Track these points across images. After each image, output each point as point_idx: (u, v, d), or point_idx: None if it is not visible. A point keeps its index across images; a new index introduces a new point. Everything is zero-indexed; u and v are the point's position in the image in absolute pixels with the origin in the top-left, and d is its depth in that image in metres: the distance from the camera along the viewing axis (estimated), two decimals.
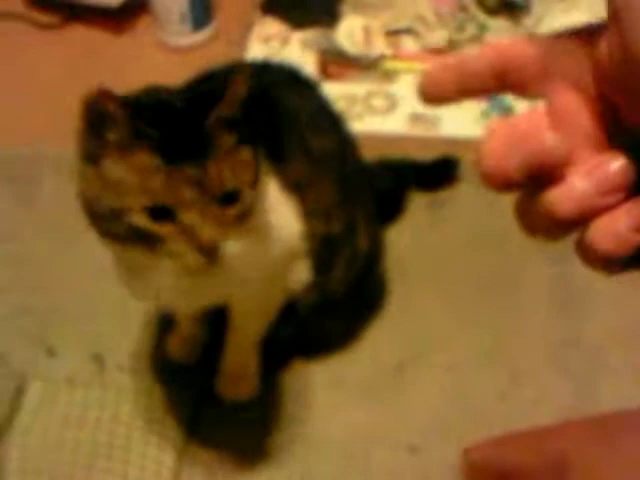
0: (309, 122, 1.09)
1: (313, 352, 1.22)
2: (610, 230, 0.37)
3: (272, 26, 1.75)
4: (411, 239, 1.36)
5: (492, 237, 1.32)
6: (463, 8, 1.72)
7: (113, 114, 0.80)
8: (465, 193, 1.41)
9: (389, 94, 1.62)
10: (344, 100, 1.57)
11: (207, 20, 1.74)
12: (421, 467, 1.11)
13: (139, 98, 0.87)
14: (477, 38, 1.68)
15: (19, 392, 1.17)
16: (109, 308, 1.25)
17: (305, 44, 1.71)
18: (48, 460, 1.11)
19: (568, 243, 0.40)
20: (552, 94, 0.39)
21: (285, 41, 1.72)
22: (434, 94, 0.43)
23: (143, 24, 1.79)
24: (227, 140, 0.84)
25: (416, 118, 1.56)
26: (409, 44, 1.70)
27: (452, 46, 1.67)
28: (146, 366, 1.21)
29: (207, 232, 0.82)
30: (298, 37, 1.73)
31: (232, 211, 0.84)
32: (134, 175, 0.81)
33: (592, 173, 0.38)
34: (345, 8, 1.72)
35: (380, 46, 1.66)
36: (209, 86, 0.94)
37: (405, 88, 1.62)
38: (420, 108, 1.57)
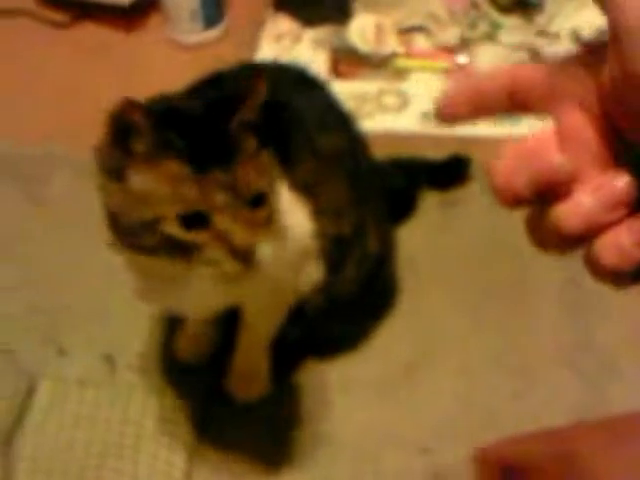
0: (317, 122, 1.09)
1: (324, 352, 1.21)
2: (614, 245, 0.39)
3: (283, 24, 1.74)
4: (423, 238, 1.35)
5: (504, 237, 1.31)
6: (475, 6, 1.72)
7: (138, 124, 0.80)
8: (477, 192, 1.40)
9: (401, 92, 1.61)
10: (355, 98, 1.56)
11: (218, 18, 1.73)
12: (433, 468, 1.11)
13: (160, 106, 0.86)
14: (489, 36, 1.68)
15: (30, 392, 1.17)
16: (120, 308, 1.25)
17: (317, 42, 1.71)
18: (58, 460, 1.10)
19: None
20: (559, 114, 0.41)
21: (296, 39, 1.72)
22: (451, 114, 0.46)
23: (154, 22, 1.78)
24: (250, 144, 0.85)
25: (428, 116, 1.56)
26: (421, 42, 1.69)
27: (464, 44, 1.67)
28: (156, 366, 1.20)
29: (241, 236, 0.82)
30: (309, 35, 1.72)
31: (262, 213, 0.85)
32: (165, 184, 0.82)
33: (598, 190, 0.39)
34: (357, 6, 1.71)
35: (392, 44, 1.65)
36: (220, 89, 0.94)
37: (417, 86, 1.62)
38: (432, 106, 1.56)
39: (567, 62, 0.42)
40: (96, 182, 0.86)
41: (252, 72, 1.13)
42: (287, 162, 0.97)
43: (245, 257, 0.83)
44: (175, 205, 0.82)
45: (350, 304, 1.15)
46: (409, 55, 1.67)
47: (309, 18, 1.74)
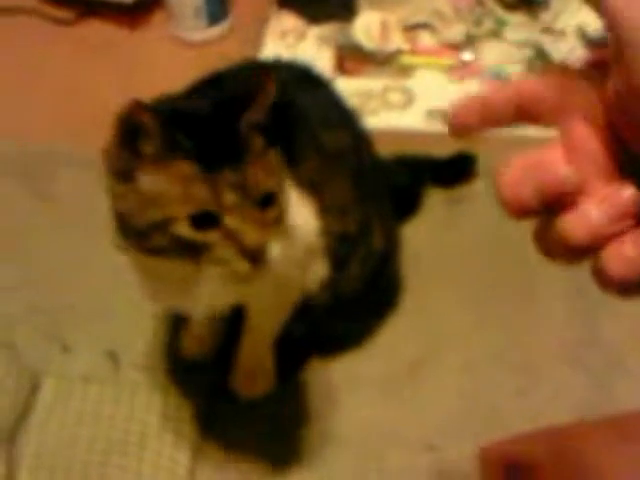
0: (321, 120, 1.09)
1: (328, 350, 1.21)
2: (621, 256, 0.39)
3: (288, 21, 1.74)
4: (427, 236, 1.35)
5: (509, 235, 1.31)
6: (481, 3, 1.71)
7: (147, 126, 0.80)
8: (482, 190, 1.40)
9: (406, 89, 1.61)
10: (360, 95, 1.56)
11: (222, 15, 1.73)
12: (438, 465, 1.11)
13: (167, 107, 0.86)
14: (495, 33, 1.68)
15: (33, 389, 1.17)
16: (124, 305, 1.25)
17: (321, 39, 1.70)
18: (62, 456, 1.10)
19: None
20: (565, 125, 0.42)
21: (301, 36, 1.72)
22: (461, 127, 0.46)
23: (158, 19, 1.78)
24: (258, 143, 0.85)
25: (433, 114, 1.55)
26: (426, 39, 1.69)
27: (469, 41, 1.66)
28: (160, 363, 1.20)
29: (251, 236, 0.82)
30: (314, 32, 1.72)
31: (271, 213, 0.85)
32: (175, 185, 0.82)
33: (604, 201, 0.40)
34: (362, 3, 1.71)
35: (397, 41, 1.65)
36: (221, 89, 0.95)
37: (422, 83, 1.61)
38: (437, 103, 1.56)
39: (571, 75, 0.43)
40: (104, 184, 0.86)
41: (254, 71, 1.13)
42: (291, 160, 0.97)
43: (255, 257, 0.83)
44: (185, 206, 0.82)
45: (354, 301, 1.15)
46: (414, 52, 1.66)
47: (314, 15, 1.73)
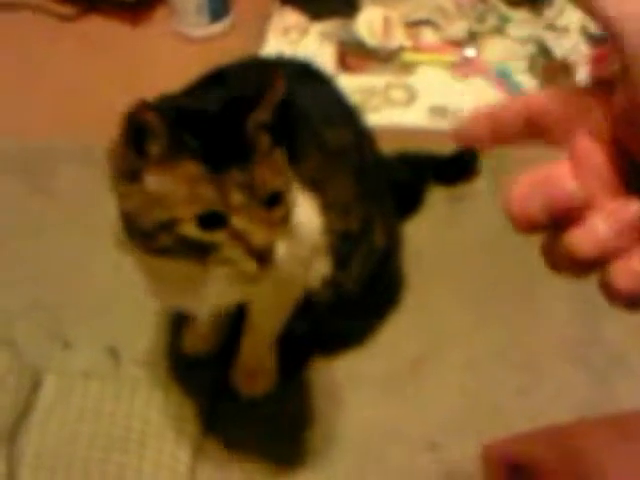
0: (322, 117, 1.09)
1: (330, 348, 1.21)
2: (628, 270, 0.40)
3: (290, 17, 1.74)
4: (429, 233, 1.35)
5: (511, 233, 1.30)
6: None
7: (153, 126, 0.80)
8: (484, 188, 1.40)
9: (408, 86, 1.60)
10: (363, 92, 1.56)
11: (224, 11, 1.73)
12: (440, 463, 1.11)
13: (172, 106, 0.86)
14: (498, 29, 1.67)
15: (35, 386, 1.17)
16: (124, 301, 1.24)
17: (324, 35, 1.70)
18: (63, 453, 1.10)
19: None
20: (573, 140, 0.43)
21: (304, 32, 1.71)
22: (469, 133, 0.47)
23: (160, 15, 1.78)
24: (265, 142, 0.85)
25: (435, 111, 1.55)
26: (429, 35, 1.68)
27: (472, 37, 1.66)
28: (162, 360, 1.20)
29: (259, 236, 0.82)
30: (317, 28, 1.72)
31: (278, 213, 0.85)
32: (181, 185, 0.81)
33: (611, 216, 0.41)
34: None
35: (399, 37, 1.65)
36: (223, 86, 0.94)
37: (424, 80, 1.61)
38: (439, 100, 1.55)
39: (577, 91, 0.44)
40: (109, 184, 0.86)
41: (257, 67, 1.12)
42: (293, 157, 0.97)
43: (263, 256, 0.83)
44: (192, 206, 0.81)
45: (356, 299, 1.15)
46: (417, 49, 1.66)
47: (316, 11, 1.73)
